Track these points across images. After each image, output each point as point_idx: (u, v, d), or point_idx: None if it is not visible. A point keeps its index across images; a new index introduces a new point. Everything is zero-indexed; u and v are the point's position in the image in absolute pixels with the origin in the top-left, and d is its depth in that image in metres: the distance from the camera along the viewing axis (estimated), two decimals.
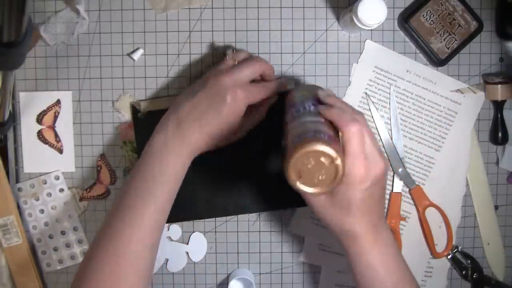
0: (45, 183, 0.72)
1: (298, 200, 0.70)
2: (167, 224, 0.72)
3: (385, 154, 0.70)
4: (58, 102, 0.71)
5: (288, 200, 0.70)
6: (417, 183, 0.71)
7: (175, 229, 0.72)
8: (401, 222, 0.72)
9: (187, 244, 0.72)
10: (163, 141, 0.59)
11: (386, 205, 0.71)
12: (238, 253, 0.73)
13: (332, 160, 0.47)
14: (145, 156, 0.60)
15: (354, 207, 0.52)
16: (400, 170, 0.71)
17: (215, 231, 0.73)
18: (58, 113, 0.71)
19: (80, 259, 0.73)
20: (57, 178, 0.72)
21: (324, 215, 0.55)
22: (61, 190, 0.72)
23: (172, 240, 0.72)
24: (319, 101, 0.57)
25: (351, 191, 0.52)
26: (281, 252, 0.73)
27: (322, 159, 0.47)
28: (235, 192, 0.71)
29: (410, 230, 0.72)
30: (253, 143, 0.69)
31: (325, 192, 0.50)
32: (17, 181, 0.72)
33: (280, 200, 0.71)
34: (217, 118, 0.59)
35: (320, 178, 0.48)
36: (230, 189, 0.70)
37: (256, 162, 0.70)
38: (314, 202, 0.55)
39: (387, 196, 0.71)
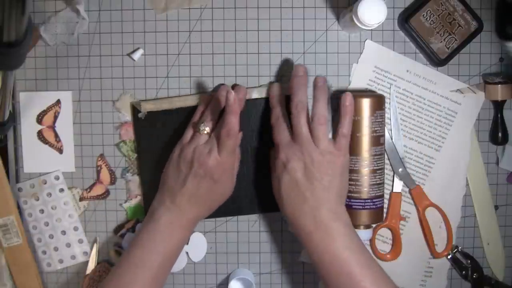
0: (45, 183, 0.72)
1: None
2: None
3: (385, 154, 0.70)
4: (58, 102, 0.71)
5: None
6: (417, 183, 0.71)
7: None
8: (401, 222, 0.72)
9: (187, 244, 0.72)
10: (168, 222, 0.62)
11: (386, 205, 0.71)
12: (238, 253, 0.73)
13: None
14: (150, 235, 0.62)
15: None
16: (400, 170, 0.71)
17: (215, 231, 0.73)
18: (58, 113, 0.71)
19: (80, 259, 0.73)
20: (57, 178, 0.72)
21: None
22: (61, 190, 0.72)
23: None
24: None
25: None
26: (281, 252, 0.73)
27: None
28: (234, 193, 0.70)
29: (410, 230, 0.72)
30: (251, 145, 0.70)
31: None
32: (17, 181, 0.72)
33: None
34: (217, 199, 0.65)
35: None
36: None
37: (255, 164, 0.70)
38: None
39: (387, 196, 0.71)
